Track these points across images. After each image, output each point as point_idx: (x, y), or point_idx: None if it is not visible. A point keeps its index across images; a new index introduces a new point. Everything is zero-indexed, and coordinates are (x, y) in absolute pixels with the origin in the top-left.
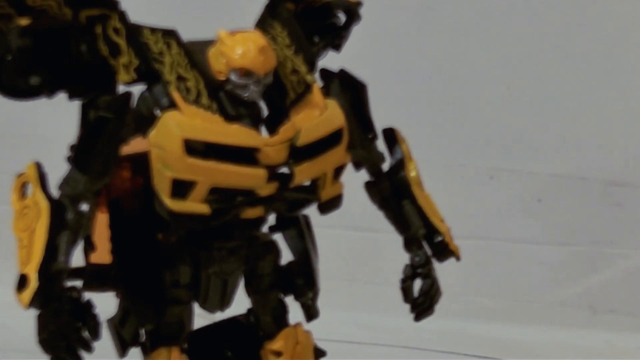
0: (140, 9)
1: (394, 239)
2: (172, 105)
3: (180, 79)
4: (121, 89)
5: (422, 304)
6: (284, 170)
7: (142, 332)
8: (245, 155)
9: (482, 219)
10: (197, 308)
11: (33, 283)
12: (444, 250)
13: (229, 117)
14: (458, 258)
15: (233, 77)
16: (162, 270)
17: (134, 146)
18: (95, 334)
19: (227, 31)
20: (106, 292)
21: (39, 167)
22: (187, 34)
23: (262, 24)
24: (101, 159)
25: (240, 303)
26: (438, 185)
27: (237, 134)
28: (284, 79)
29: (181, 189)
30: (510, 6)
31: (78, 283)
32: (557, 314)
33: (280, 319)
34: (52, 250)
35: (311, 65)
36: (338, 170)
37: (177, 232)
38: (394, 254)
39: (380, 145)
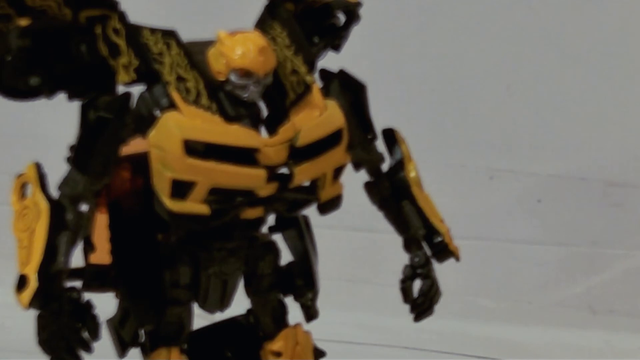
0: (140, 9)
1: (393, 240)
2: (172, 105)
3: (179, 80)
4: (121, 89)
5: (422, 305)
6: (284, 170)
7: (142, 332)
8: (245, 156)
9: (482, 219)
10: (196, 308)
11: (33, 283)
12: (444, 251)
13: (228, 118)
14: (458, 258)
15: (233, 78)
16: (161, 271)
17: (134, 146)
18: (95, 335)
19: (227, 31)
20: (106, 293)
21: (38, 168)
22: (187, 34)
23: (262, 25)
24: (101, 160)
25: (240, 303)
26: (438, 186)
27: (236, 135)
28: (284, 80)
29: (181, 189)
30: (509, 6)
31: (78, 283)
32: (557, 314)
33: (279, 320)
34: (51, 251)
35: (311, 65)
36: (338, 171)
37: (176, 232)
38: (393, 254)
39: (380, 145)
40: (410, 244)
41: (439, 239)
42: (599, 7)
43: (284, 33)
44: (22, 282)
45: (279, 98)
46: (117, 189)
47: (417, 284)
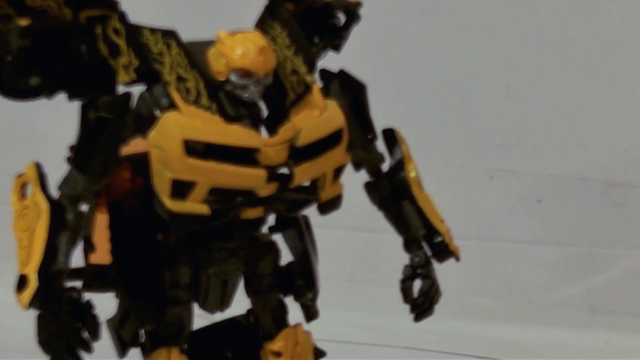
0: (140, 9)
1: (393, 240)
2: (172, 105)
3: (180, 80)
4: (121, 89)
5: (422, 305)
6: (284, 170)
7: (142, 332)
8: (245, 156)
9: (482, 219)
10: (196, 308)
11: (33, 283)
12: (444, 251)
13: (228, 118)
14: (458, 258)
15: (233, 78)
16: (162, 271)
17: (134, 146)
18: (95, 335)
19: (227, 31)
20: (106, 293)
21: (38, 168)
22: (187, 34)
23: (262, 25)
24: (101, 160)
25: (240, 303)
26: (438, 185)
27: (236, 135)
28: (284, 80)
29: (181, 189)
30: (509, 6)
31: (78, 283)
32: (557, 314)
33: (280, 320)
34: (51, 251)
35: (311, 65)
36: (338, 171)
37: (176, 232)
38: (393, 254)
39: (380, 145)
40: (410, 244)
41: (439, 239)
42: (599, 7)
43: (284, 33)
44: (22, 282)
45: (279, 98)
46: (117, 189)
47: (417, 284)
